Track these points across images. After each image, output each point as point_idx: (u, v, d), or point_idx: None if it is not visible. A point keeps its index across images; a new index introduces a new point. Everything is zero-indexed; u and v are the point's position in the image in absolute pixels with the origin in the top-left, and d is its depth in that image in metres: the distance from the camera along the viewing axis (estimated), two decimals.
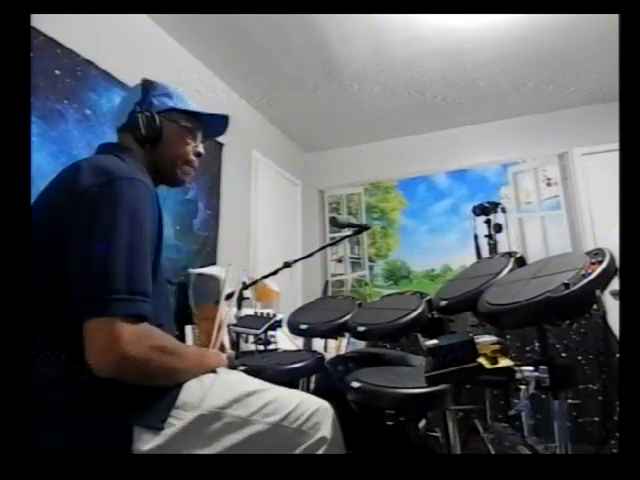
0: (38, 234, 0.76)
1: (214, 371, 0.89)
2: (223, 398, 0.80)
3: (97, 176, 0.77)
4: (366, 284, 4.13)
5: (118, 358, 0.67)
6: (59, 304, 0.74)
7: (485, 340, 0.98)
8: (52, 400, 0.71)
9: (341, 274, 4.25)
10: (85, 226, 0.73)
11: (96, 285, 0.70)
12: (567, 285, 0.92)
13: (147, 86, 0.99)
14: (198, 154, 1.04)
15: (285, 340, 2.29)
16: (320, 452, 0.85)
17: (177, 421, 0.74)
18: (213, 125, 1.09)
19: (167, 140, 0.97)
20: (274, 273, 1.63)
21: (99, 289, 0.69)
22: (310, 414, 0.87)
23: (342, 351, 2.17)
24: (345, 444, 0.93)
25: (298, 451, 0.83)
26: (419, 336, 1.58)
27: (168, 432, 0.73)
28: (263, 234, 3.57)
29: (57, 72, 1.95)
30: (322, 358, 1.53)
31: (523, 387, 1.01)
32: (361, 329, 1.50)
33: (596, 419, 1.81)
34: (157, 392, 0.75)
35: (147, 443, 0.71)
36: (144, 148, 0.96)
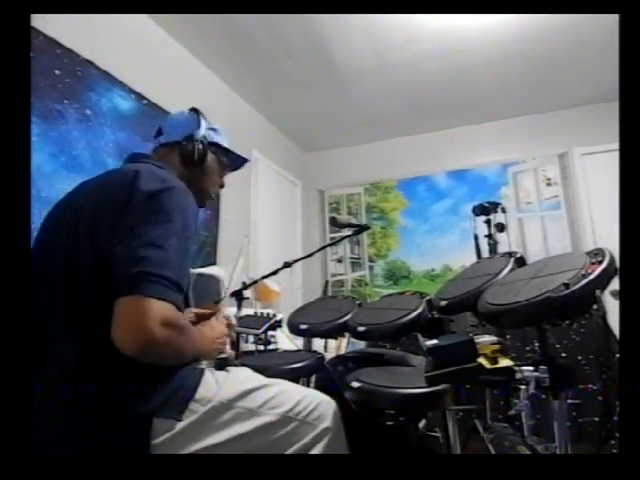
0: (90, 226, 0.82)
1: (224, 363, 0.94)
2: (233, 391, 0.86)
3: (158, 182, 0.85)
4: (366, 284, 4.13)
5: (146, 339, 0.69)
6: (97, 291, 0.77)
7: (485, 340, 0.99)
8: (74, 389, 0.74)
9: (341, 274, 4.25)
10: (143, 221, 0.79)
11: (141, 266, 0.73)
12: (567, 285, 0.92)
13: (201, 117, 1.13)
14: (222, 186, 1.21)
15: (285, 340, 2.29)
16: (324, 442, 0.90)
17: (193, 413, 0.79)
18: (235, 162, 1.24)
19: (206, 169, 1.12)
20: (274, 273, 1.63)
21: (143, 269, 0.73)
22: (314, 406, 0.94)
23: (342, 351, 2.18)
24: (346, 440, 0.97)
25: (304, 441, 0.89)
26: (419, 336, 1.58)
27: (184, 423, 0.78)
28: (263, 234, 3.57)
29: (57, 72, 1.95)
30: (322, 358, 1.53)
31: (523, 387, 1.02)
32: (361, 329, 1.50)
33: (596, 419, 1.81)
34: (177, 386, 0.80)
35: (165, 433, 0.75)
36: (186, 168, 1.08)
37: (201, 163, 1.09)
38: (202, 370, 0.88)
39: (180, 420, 0.78)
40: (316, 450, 0.90)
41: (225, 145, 1.17)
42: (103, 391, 0.74)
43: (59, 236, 0.86)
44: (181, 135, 1.09)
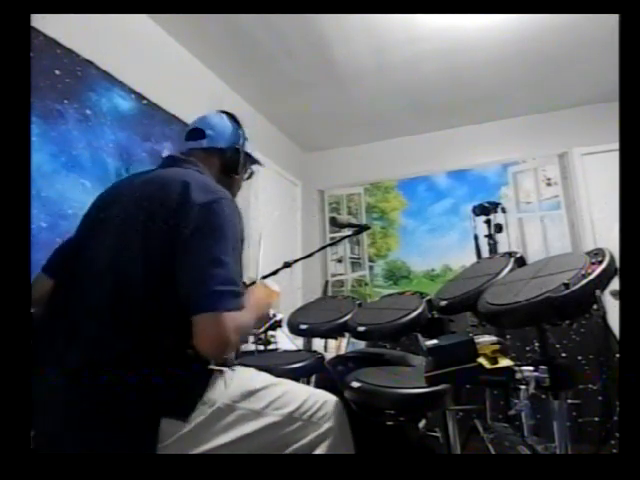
0: (142, 229, 0.86)
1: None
2: (238, 392, 0.88)
3: (209, 193, 0.90)
4: (366, 284, 4.13)
5: (224, 346, 0.81)
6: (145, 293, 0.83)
7: (485, 340, 0.99)
8: (92, 384, 0.76)
9: (341, 274, 4.25)
10: (201, 235, 0.84)
11: (212, 285, 0.81)
12: (567, 285, 0.92)
13: (242, 127, 1.20)
14: (239, 189, 1.26)
15: (285, 340, 2.29)
16: (329, 441, 0.92)
17: (200, 415, 0.81)
18: (254, 168, 1.29)
19: (241, 176, 1.19)
20: (274, 273, 1.63)
21: (214, 288, 0.80)
22: (319, 406, 0.96)
23: (342, 351, 2.17)
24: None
25: (308, 439, 0.91)
26: (419, 336, 1.58)
27: (192, 424, 0.80)
28: (263, 234, 3.57)
29: (57, 72, 1.95)
30: (322, 358, 1.53)
31: (523, 387, 1.02)
32: (361, 329, 1.50)
33: (596, 419, 1.81)
34: (186, 388, 0.83)
35: (172, 433, 0.77)
36: (224, 175, 1.12)
37: (240, 171, 1.15)
38: (211, 371, 0.89)
39: (187, 422, 0.79)
40: (320, 449, 0.91)
41: (254, 155, 1.23)
42: (115, 390, 0.76)
43: (106, 233, 0.89)
44: (225, 143, 1.13)
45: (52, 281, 0.97)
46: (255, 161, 1.24)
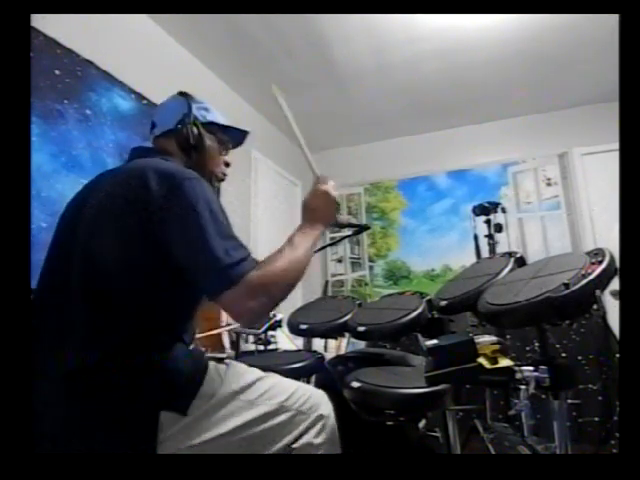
0: (116, 224, 0.84)
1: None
2: (234, 385, 0.90)
3: (166, 179, 0.84)
4: (366, 284, 4.13)
5: (250, 314, 0.80)
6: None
7: (485, 340, 0.99)
8: (88, 382, 0.76)
9: (341, 274, 4.25)
10: (178, 226, 0.81)
11: (205, 270, 0.80)
12: (567, 285, 0.92)
13: (189, 99, 1.09)
14: (227, 164, 1.15)
15: (285, 340, 2.29)
16: (318, 427, 0.95)
17: (197, 408, 0.82)
18: (236, 137, 1.20)
19: (206, 149, 1.06)
20: None
21: (209, 273, 0.79)
22: (307, 397, 0.98)
23: (342, 351, 2.17)
24: (344, 444, 1.01)
25: (300, 428, 0.93)
26: (419, 336, 1.58)
27: (189, 417, 0.80)
28: (263, 234, 3.57)
29: (57, 72, 1.95)
30: (322, 358, 1.53)
31: (523, 387, 1.02)
32: (361, 329, 1.50)
33: (596, 419, 1.81)
34: (183, 381, 0.83)
35: (171, 426, 0.78)
36: (186, 154, 1.04)
37: (199, 146, 1.04)
38: (207, 365, 0.90)
39: (185, 415, 0.80)
40: (310, 435, 0.94)
41: (221, 122, 1.12)
42: (113, 383, 0.77)
43: (79, 232, 0.87)
44: (173, 122, 1.05)
45: None
46: (225, 128, 1.13)
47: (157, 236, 0.81)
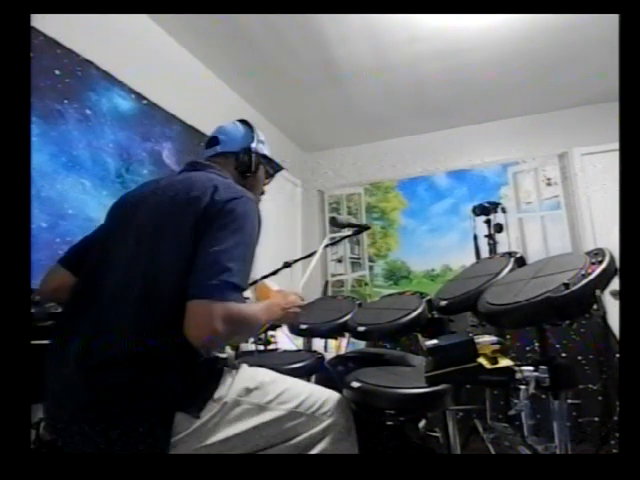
0: (169, 227, 0.91)
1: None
2: (242, 389, 0.92)
3: (231, 192, 0.96)
4: (366, 284, 4.13)
5: (212, 334, 0.80)
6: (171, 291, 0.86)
7: (485, 340, 0.99)
8: (113, 380, 0.80)
9: (341, 274, 4.25)
10: (218, 228, 0.88)
11: (207, 273, 0.83)
12: (567, 285, 0.92)
13: (254, 131, 1.25)
14: (263, 193, 1.33)
15: (285, 340, 2.29)
16: (331, 436, 0.96)
17: (209, 411, 0.85)
18: (275, 170, 1.35)
19: (257, 177, 1.25)
20: (274, 273, 1.63)
21: (205, 273, 0.83)
22: (322, 402, 0.99)
23: (342, 351, 2.17)
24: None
25: (311, 432, 0.94)
26: (419, 336, 1.58)
27: (201, 420, 0.84)
28: (263, 234, 3.57)
29: (57, 72, 1.95)
30: (322, 358, 1.53)
31: (523, 387, 1.01)
32: (361, 329, 1.50)
33: (596, 419, 1.81)
34: (198, 385, 0.86)
35: (185, 428, 0.81)
36: (241, 177, 1.20)
37: (253, 173, 1.21)
38: (222, 370, 0.93)
39: (199, 417, 0.83)
40: (322, 444, 0.94)
41: (269, 155, 1.28)
42: (134, 384, 0.80)
43: (132, 232, 0.93)
44: (238, 146, 1.20)
45: (69, 273, 1.02)
46: (271, 162, 1.30)
47: (201, 237, 0.87)
